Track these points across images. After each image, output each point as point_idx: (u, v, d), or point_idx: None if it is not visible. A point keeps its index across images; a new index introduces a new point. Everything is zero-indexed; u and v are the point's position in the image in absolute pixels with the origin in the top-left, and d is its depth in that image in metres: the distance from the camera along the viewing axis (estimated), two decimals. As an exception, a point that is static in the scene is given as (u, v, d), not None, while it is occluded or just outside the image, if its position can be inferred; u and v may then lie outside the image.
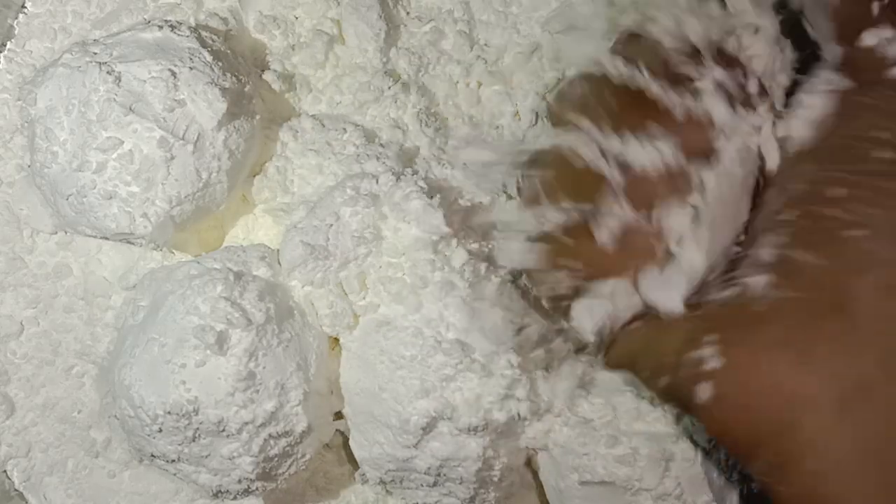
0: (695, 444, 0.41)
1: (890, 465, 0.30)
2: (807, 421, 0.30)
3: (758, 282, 0.33)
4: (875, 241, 0.31)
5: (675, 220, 0.36)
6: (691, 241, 0.35)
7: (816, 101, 0.35)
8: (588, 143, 0.37)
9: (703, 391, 0.32)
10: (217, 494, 0.44)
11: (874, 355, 0.30)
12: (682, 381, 0.33)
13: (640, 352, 0.36)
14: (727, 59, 0.36)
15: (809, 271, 0.32)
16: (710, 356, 0.32)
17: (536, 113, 0.50)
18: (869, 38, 0.34)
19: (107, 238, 0.47)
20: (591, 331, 0.37)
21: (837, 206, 0.32)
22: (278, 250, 0.45)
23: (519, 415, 0.41)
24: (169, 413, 0.40)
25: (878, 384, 0.30)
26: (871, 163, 0.32)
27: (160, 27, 0.46)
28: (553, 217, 0.37)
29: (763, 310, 0.32)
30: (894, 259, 0.31)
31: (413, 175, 0.43)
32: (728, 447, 0.33)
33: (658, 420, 0.41)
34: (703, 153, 0.36)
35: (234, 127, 0.45)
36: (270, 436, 0.42)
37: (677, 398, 0.34)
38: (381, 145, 0.48)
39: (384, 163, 0.46)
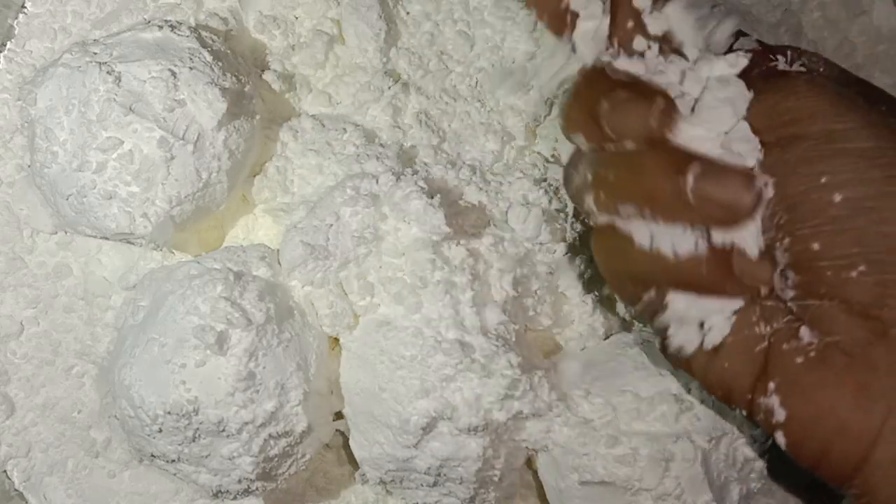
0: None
1: None
2: (876, 455, 0.32)
3: (794, 327, 0.34)
4: (876, 274, 0.32)
5: None
6: None
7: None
8: None
9: (780, 439, 0.34)
10: (217, 494, 0.44)
11: None
12: (761, 425, 0.35)
13: (708, 376, 0.37)
14: None
15: (834, 315, 0.33)
16: (777, 407, 0.34)
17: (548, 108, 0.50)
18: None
19: (107, 238, 0.47)
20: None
21: (824, 259, 0.33)
22: (278, 250, 0.45)
23: (519, 415, 0.41)
24: (169, 413, 0.40)
25: None
26: (831, 208, 0.33)
27: (160, 27, 0.46)
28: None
29: (812, 355, 0.34)
30: None
31: (413, 175, 0.43)
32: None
33: (658, 420, 0.41)
34: None
35: (234, 127, 0.45)
36: (270, 436, 0.42)
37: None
38: (381, 145, 0.48)
39: (384, 163, 0.46)
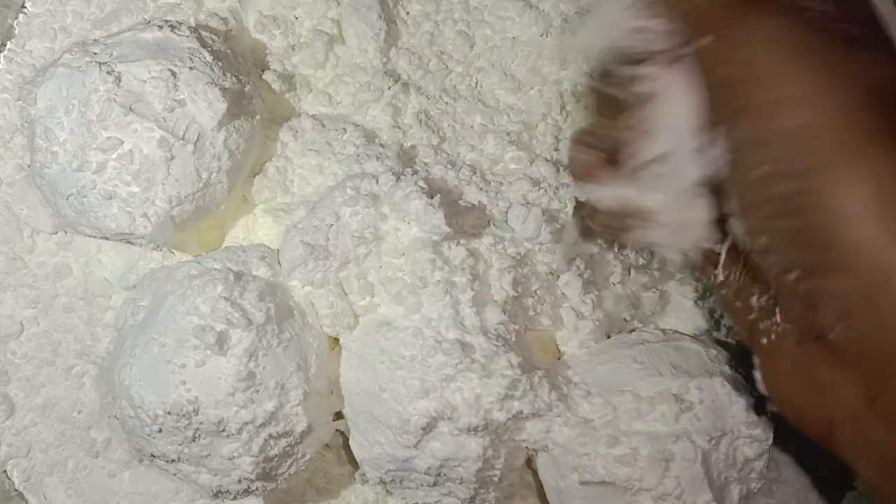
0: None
1: None
2: (836, 437, 0.34)
3: (769, 304, 0.36)
4: (808, 280, 0.32)
5: None
6: None
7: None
8: None
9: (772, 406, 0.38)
10: (217, 494, 0.44)
11: (869, 375, 0.32)
12: None
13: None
14: None
15: (790, 305, 0.34)
16: (760, 381, 0.37)
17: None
18: None
19: (107, 238, 0.47)
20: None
21: (772, 254, 0.33)
22: (278, 250, 0.45)
23: (519, 415, 0.41)
24: (169, 413, 0.40)
25: (883, 395, 0.32)
26: (771, 203, 0.32)
27: (160, 27, 0.46)
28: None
29: (773, 338, 0.35)
30: (838, 291, 0.31)
31: (413, 175, 0.43)
32: None
33: (658, 420, 0.41)
34: None
35: (234, 127, 0.45)
36: (270, 436, 0.42)
37: None
38: (381, 145, 0.48)
39: (384, 163, 0.46)
